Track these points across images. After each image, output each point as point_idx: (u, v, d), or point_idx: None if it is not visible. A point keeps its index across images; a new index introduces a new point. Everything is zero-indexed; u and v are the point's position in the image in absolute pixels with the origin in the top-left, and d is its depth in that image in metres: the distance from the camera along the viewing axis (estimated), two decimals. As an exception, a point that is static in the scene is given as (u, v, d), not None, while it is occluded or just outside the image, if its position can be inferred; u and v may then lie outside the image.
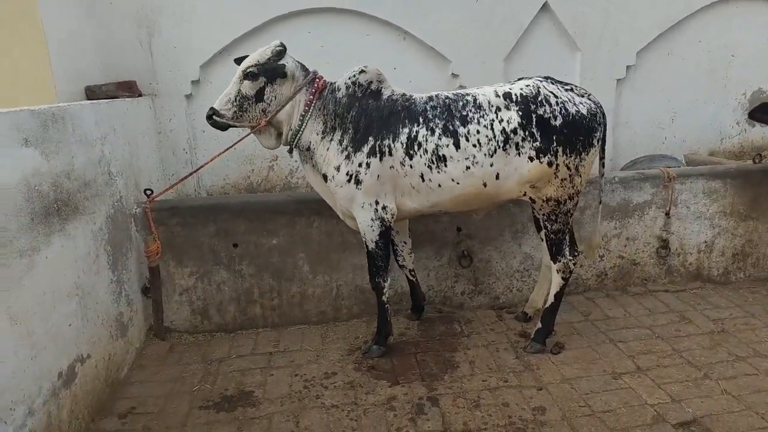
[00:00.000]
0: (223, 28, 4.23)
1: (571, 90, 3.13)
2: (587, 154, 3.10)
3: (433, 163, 3.04)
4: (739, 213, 4.15)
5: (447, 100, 3.10)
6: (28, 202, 2.54)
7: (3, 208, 2.36)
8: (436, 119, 3.05)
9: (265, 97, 3.11)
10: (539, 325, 3.47)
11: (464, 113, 3.05)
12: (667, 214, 4.05)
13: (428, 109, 3.09)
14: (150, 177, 4.13)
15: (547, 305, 3.46)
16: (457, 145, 3.02)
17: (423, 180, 3.09)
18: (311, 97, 3.11)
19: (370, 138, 3.07)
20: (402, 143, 3.05)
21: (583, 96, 3.13)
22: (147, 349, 3.72)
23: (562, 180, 3.09)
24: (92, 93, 3.90)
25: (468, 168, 3.04)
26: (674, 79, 4.80)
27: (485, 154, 3.02)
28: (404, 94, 3.17)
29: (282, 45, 3.10)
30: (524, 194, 3.18)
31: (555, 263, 3.34)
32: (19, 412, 2.35)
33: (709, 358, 3.26)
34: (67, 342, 2.77)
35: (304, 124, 3.14)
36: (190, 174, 3.59)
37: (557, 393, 3.01)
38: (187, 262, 3.81)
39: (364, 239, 3.27)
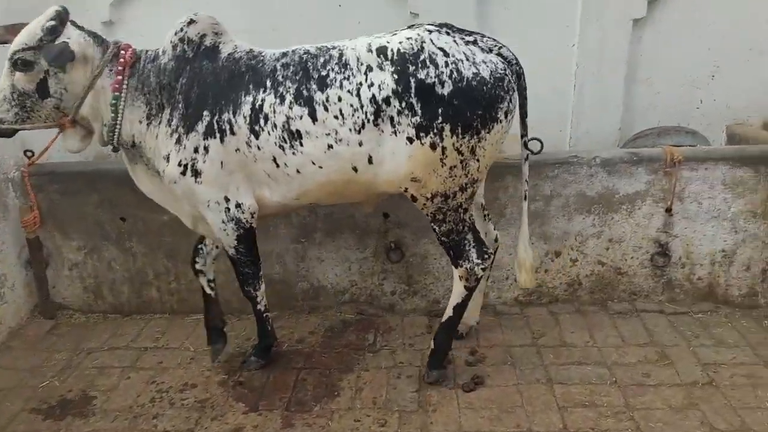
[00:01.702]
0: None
1: (474, 43, 2.24)
2: (489, 132, 2.23)
3: (285, 141, 2.29)
4: (778, 215, 3.01)
5: (305, 56, 2.32)
6: None
7: None
8: (288, 82, 2.28)
9: (51, 91, 2.34)
10: (431, 345, 2.71)
11: (324, 73, 2.25)
12: (669, 210, 3.00)
13: (278, 68, 2.32)
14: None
15: (443, 319, 2.67)
16: (313, 116, 2.25)
17: (277, 165, 2.35)
18: (119, 77, 2.35)
19: (205, 112, 2.33)
20: (245, 117, 2.30)
21: (490, 51, 2.24)
22: (27, 328, 3.37)
23: (450, 168, 2.26)
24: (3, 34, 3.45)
25: (330, 147, 2.27)
26: (717, 18, 3.50)
27: (350, 129, 2.24)
28: (251, 51, 2.41)
29: (58, 14, 2.29)
30: (404, 190, 2.37)
31: (457, 269, 2.54)
32: None
33: (677, 427, 2.33)
34: None
35: (119, 115, 2.38)
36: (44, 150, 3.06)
37: (437, 453, 2.27)
38: (73, 234, 3.36)
39: (221, 243, 2.60)
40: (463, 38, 2.23)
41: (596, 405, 2.47)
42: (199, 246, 2.80)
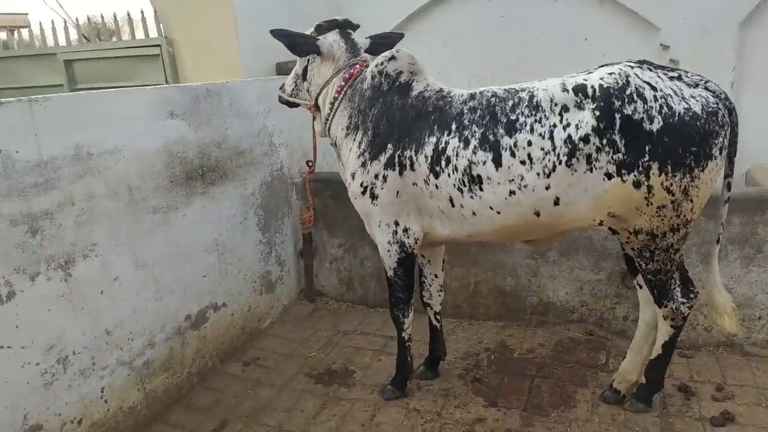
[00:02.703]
0: (399, 4, 4.16)
1: (679, 78, 2.19)
2: (702, 171, 2.15)
3: (465, 185, 2.38)
4: None
5: (493, 99, 2.37)
6: (168, 167, 2.95)
7: (140, 170, 2.79)
8: (474, 126, 2.35)
9: (307, 76, 2.81)
10: (643, 379, 2.70)
11: (513, 117, 2.29)
12: None
13: (465, 111, 2.40)
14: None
15: (653, 356, 2.63)
16: (497, 162, 2.29)
17: (453, 205, 2.46)
18: (343, 83, 2.65)
19: (389, 145, 2.52)
20: (426, 156, 2.44)
21: (696, 86, 2.17)
22: (295, 307, 4.05)
23: (658, 208, 2.21)
24: (281, 69, 4.27)
25: (512, 193, 2.30)
26: None
27: (539, 174, 2.24)
28: (440, 90, 2.54)
29: (332, 21, 2.72)
30: (600, 223, 2.36)
31: (661, 308, 2.51)
32: (137, 342, 2.81)
33: None
34: (199, 290, 3.19)
35: (332, 113, 2.71)
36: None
37: (685, 479, 2.28)
38: (337, 233, 3.99)
39: (383, 264, 2.83)
40: (666, 74, 2.20)
41: None
42: (423, 279, 3.02)
